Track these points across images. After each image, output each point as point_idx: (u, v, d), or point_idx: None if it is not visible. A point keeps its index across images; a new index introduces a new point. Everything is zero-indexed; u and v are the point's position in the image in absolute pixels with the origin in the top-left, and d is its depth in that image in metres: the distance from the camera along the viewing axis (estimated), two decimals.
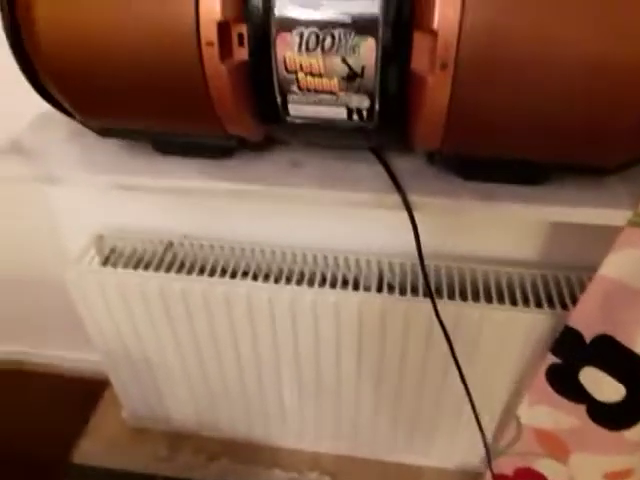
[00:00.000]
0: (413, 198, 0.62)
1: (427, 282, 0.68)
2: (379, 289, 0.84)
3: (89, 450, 1.23)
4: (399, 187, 0.62)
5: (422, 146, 0.60)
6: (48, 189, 0.92)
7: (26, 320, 1.29)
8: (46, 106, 0.73)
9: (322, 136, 0.62)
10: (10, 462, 1.20)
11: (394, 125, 0.57)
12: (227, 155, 0.69)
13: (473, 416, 0.94)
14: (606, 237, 0.63)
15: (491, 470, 0.93)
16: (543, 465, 0.88)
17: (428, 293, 0.80)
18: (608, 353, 0.68)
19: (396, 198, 0.63)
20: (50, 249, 1.06)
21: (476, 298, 0.81)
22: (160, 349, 0.98)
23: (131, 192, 0.87)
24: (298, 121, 0.59)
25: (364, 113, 0.56)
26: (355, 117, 0.57)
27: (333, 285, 0.86)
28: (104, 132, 0.67)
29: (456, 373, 0.88)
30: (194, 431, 1.22)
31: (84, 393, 1.33)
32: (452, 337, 0.77)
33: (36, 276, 1.15)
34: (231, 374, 1.00)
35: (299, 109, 0.58)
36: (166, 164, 0.70)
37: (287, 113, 0.58)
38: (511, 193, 0.62)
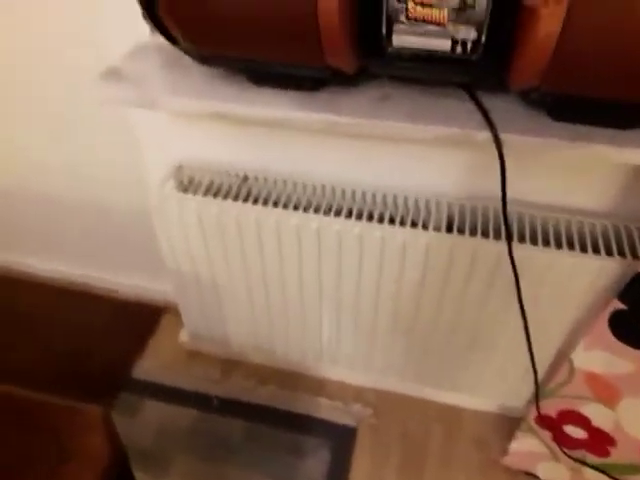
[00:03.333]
0: (503, 135, 0.64)
1: (506, 219, 0.70)
2: (449, 230, 0.86)
3: (147, 368, 1.32)
4: (490, 123, 0.64)
5: (520, 82, 0.61)
6: (134, 119, 0.95)
7: (96, 245, 1.36)
8: (142, 36, 0.76)
9: (420, 69, 0.63)
10: (73, 376, 1.29)
11: (496, 59, 0.58)
12: (318, 87, 0.71)
13: (521, 359, 0.98)
14: None
15: (538, 409, 0.97)
16: (589, 408, 0.92)
17: (498, 235, 0.83)
18: None
19: (486, 135, 0.64)
20: (130, 178, 1.12)
21: (546, 245, 0.83)
22: (229, 274, 1.04)
23: (212, 125, 0.91)
24: (400, 52, 0.60)
25: (468, 45, 0.57)
26: (459, 49, 0.58)
27: (402, 225, 0.88)
28: (205, 60, 0.69)
29: (513, 316, 0.92)
30: (246, 357, 1.30)
31: (144, 318, 1.42)
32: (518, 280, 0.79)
33: (113, 203, 1.21)
34: (293, 304, 1.06)
35: (403, 40, 0.59)
36: (259, 95, 0.72)
37: (390, 44, 0.60)
38: (600, 135, 0.63)
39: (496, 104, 0.68)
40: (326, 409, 1.23)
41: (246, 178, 0.96)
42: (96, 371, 1.30)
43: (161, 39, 0.67)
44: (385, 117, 0.68)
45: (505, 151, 0.65)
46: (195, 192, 0.94)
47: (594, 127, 0.64)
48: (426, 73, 0.64)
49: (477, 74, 0.62)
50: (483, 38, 0.56)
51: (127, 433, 1.18)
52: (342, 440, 1.18)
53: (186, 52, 0.69)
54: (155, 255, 1.28)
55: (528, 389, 1.10)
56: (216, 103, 0.72)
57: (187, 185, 0.96)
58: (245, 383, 1.28)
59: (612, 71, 0.55)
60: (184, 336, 1.32)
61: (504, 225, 0.72)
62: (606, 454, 0.95)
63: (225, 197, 0.93)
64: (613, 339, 0.80)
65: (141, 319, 1.41)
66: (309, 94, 0.71)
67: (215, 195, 0.93)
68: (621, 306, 0.77)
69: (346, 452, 1.17)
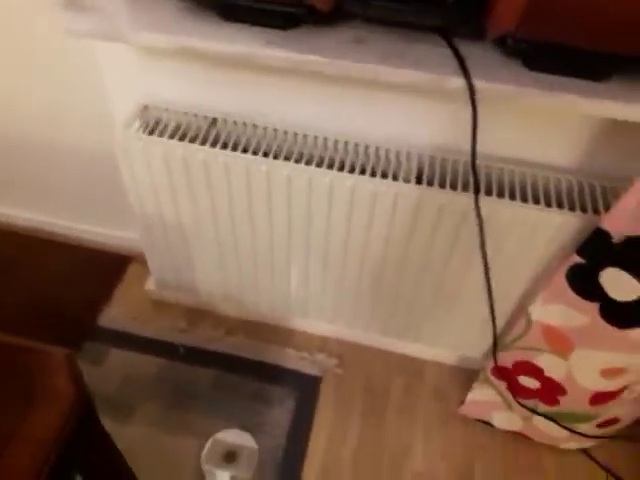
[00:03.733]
0: (477, 83, 0.63)
1: (474, 167, 0.70)
2: (418, 182, 0.87)
3: (114, 316, 1.31)
4: (465, 69, 0.63)
5: (497, 27, 0.60)
6: (100, 56, 0.91)
7: (64, 192, 1.32)
8: None
9: (396, 9, 0.62)
10: (39, 324, 1.27)
11: (473, 2, 0.58)
12: (292, 25, 0.69)
13: (481, 312, 1.01)
14: None
15: (495, 361, 1.01)
16: (543, 359, 0.96)
17: (466, 188, 0.84)
18: (634, 254, 0.72)
19: (459, 81, 0.64)
20: (96, 120, 1.07)
21: (512, 199, 0.84)
22: (196, 220, 1.02)
23: (180, 64, 0.88)
24: None
25: None
26: None
27: (372, 175, 0.88)
28: None
29: (475, 268, 0.94)
30: (214, 308, 1.30)
31: (110, 266, 1.40)
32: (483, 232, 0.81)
33: (79, 146, 1.17)
34: (261, 251, 1.06)
35: None
36: (229, 31, 0.70)
37: None
38: (573, 86, 0.63)
39: (472, 52, 0.67)
40: (292, 359, 1.25)
41: (215, 121, 0.93)
42: (62, 319, 1.29)
43: None
44: (357, 59, 0.67)
45: (477, 101, 0.65)
46: (161, 134, 0.91)
47: (569, 78, 0.64)
48: (401, 14, 0.63)
49: (453, 17, 0.61)
50: None
51: (93, 381, 1.18)
52: (307, 389, 1.21)
53: None
54: (124, 202, 1.26)
55: (486, 341, 1.14)
56: (185, 38, 0.69)
57: (153, 126, 0.93)
58: (212, 333, 1.29)
59: (589, 18, 0.55)
60: (151, 284, 1.31)
61: (472, 173, 0.73)
62: (556, 403, 1.00)
63: (193, 140, 0.90)
64: (570, 292, 0.83)
65: (108, 267, 1.39)
66: (280, 33, 0.69)
67: (182, 138, 0.91)
68: (579, 260, 0.79)
69: (311, 401, 1.19)
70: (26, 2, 0.90)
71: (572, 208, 0.83)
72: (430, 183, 0.86)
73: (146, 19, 0.70)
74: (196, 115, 0.94)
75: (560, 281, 0.83)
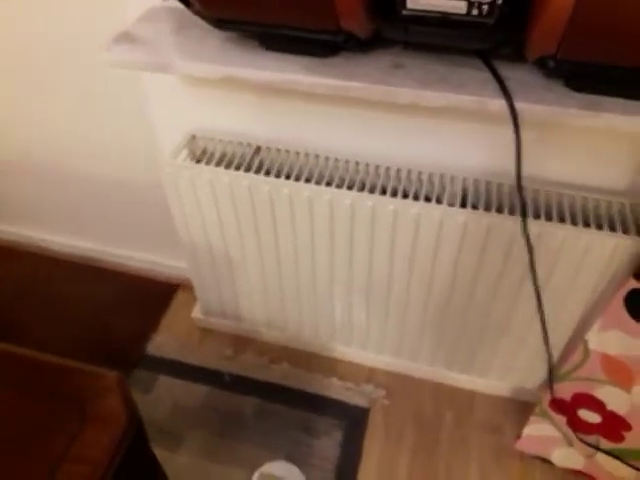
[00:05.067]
0: (519, 105, 0.62)
1: (521, 195, 0.68)
2: (462, 206, 0.85)
3: (161, 344, 1.33)
4: (506, 91, 0.62)
5: (537, 49, 0.59)
6: (147, 89, 0.96)
7: (112, 220, 1.37)
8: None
9: (434, 33, 0.62)
10: (88, 352, 1.31)
11: (513, 23, 0.57)
12: (332, 53, 0.71)
13: (535, 341, 0.96)
14: None
15: (552, 392, 0.96)
16: (604, 392, 0.90)
17: (513, 212, 0.81)
18: None
19: (501, 103, 0.63)
20: (144, 149, 1.12)
21: (562, 221, 0.81)
22: (241, 248, 1.04)
23: (225, 94, 0.91)
24: (414, 15, 0.59)
25: (484, 7, 0.56)
26: (475, 12, 0.57)
27: (416, 199, 0.87)
28: (218, 23, 0.69)
29: (526, 295, 0.90)
30: (259, 335, 1.30)
31: (158, 294, 1.43)
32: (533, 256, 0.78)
33: (128, 175, 1.22)
34: (305, 280, 1.06)
35: (417, 1, 0.58)
36: (271, 60, 0.72)
37: (404, 6, 0.59)
38: (618, 106, 0.61)
39: (512, 74, 0.66)
40: (338, 389, 1.23)
41: (259, 149, 0.96)
42: (110, 347, 1.32)
43: (174, 2, 0.67)
44: (397, 84, 0.67)
45: (520, 122, 0.64)
46: (208, 162, 0.94)
47: (612, 98, 0.62)
48: (440, 38, 0.63)
49: (493, 39, 0.61)
50: (499, 0, 0.54)
51: (141, 409, 1.20)
52: (354, 420, 1.18)
53: (199, 15, 0.69)
54: (171, 230, 1.29)
55: (541, 372, 1.08)
56: (229, 68, 0.71)
57: (200, 155, 0.96)
58: (257, 360, 1.29)
59: (631, 36, 0.53)
60: (197, 312, 1.33)
61: (519, 196, 0.71)
62: (620, 439, 0.94)
63: (238, 168, 0.93)
64: (629, 319, 0.78)
65: (155, 295, 1.43)
66: (321, 60, 0.71)
67: (228, 166, 0.93)
68: (637, 285, 0.75)
69: (358, 432, 1.16)
70: (74, 35, 0.96)
71: (626, 231, 0.79)
72: (475, 207, 0.84)
73: (192, 50, 0.73)
74: (241, 143, 0.96)
75: (618, 307, 0.79)
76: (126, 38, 0.76)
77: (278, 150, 0.95)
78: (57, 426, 0.62)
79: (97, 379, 0.67)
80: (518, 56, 0.64)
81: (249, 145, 0.96)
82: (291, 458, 1.12)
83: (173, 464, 1.12)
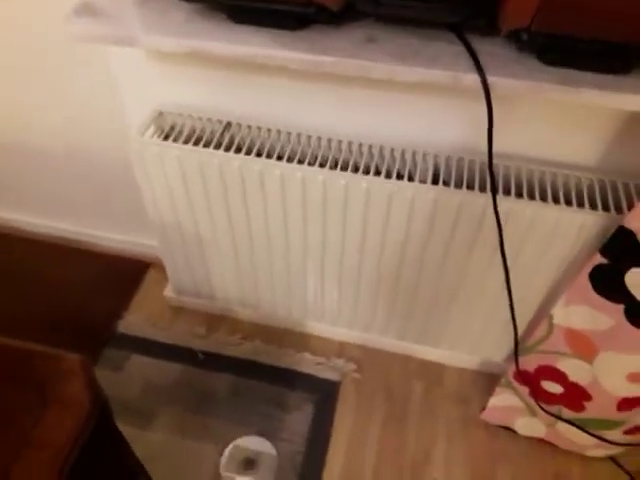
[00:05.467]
0: (491, 79, 0.62)
1: (490, 165, 0.68)
2: (434, 183, 0.85)
3: (132, 323, 1.31)
4: (479, 65, 0.62)
5: (511, 21, 0.59)
6: (113, 62, 0.92)
7: (81, 200, 1.34)
8: None
9: (405, 6, 0.61)
10: (58, 330, 1.29)
11: None
12: (303, 26, 0.69)
13: (503, 315, 0.99)
14: None
15: (517, 365, 0.98)
16: (567, 364, 0.93)
17: (484, 188, 0.82)
18: None
19: (474, 77, 0.63)
20: (112, 126, 1.08)
21: (532, 198, 0.82)
22: (212, 225, 1.02)
23: (193, 69, 0.88)
24: None
25: None
26: None
27: (388, 177, 0.87)
28: None
29: (495, 270, 0.92)
30: (231, 313, 1.30)
31: (129, 273, 1.41)
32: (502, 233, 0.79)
33: (96, 154, 1.18)
34: (277, 257, 1.05)
35: None
36: (240, 33, 0.70)
37: None
38: (590, 80, 0.61)
39: (485, 48, 0.66)
40: (310, 364, 1.24)
41: (229, 125, 0.93)
42: (81, 326, 1.30)
43: None
44: (370, 58, 0.66)
45: (493, 98, 0.64)
46: (176, 139, 0.91)
47: (585, 72, 0.62)
48: (411, 11, 0.62)
49: (464, 13, 0.60)
50: None
51: (113, 387, 1.19)
52: (326, 394, 1.20)
53: None
54: (142, 209, 1.27)
55: (507, 346, 1.11)
56: (195, 41, 0.69)
57: (168, 132, 0.94)
58: (230, 338, 1.29)
59: (605, 9, 0.53)
60: (169, 291, 1.31)
61: (489, 172, 0.71)
62: (581, 409, 0.97)
63: (207, 145, 0.90)
64: (593, 294, 0.80)
65: (126, 274, 1.40)
66: (291, 33, 0.69)
67: (197, 143, 0.91)
68: (602, 260, 0.77)
69: (329, 406, 1.18)
70: (39, 12, 0.91)
71: (594, 207, 0.81)
72: (446, 183, 0.84)
73: (157, 23, 0.70)
74: (210, 119, 0.94)
75: (583, 282, 0.81)
76: (87, 10, 0.72)
77: (249, 127, 0.93)
78: (18, 411, 0.60)
79: (59, 362, 0.65)
80: (491, 29, 0.64)
81: (219, 121, 0.93)
82: (263, 433, 1.13)
83: (145, 441, 1.11)
